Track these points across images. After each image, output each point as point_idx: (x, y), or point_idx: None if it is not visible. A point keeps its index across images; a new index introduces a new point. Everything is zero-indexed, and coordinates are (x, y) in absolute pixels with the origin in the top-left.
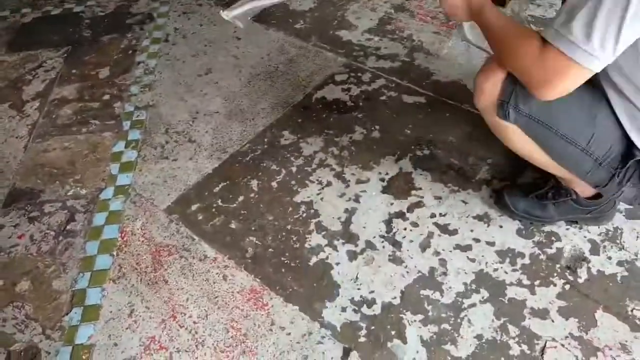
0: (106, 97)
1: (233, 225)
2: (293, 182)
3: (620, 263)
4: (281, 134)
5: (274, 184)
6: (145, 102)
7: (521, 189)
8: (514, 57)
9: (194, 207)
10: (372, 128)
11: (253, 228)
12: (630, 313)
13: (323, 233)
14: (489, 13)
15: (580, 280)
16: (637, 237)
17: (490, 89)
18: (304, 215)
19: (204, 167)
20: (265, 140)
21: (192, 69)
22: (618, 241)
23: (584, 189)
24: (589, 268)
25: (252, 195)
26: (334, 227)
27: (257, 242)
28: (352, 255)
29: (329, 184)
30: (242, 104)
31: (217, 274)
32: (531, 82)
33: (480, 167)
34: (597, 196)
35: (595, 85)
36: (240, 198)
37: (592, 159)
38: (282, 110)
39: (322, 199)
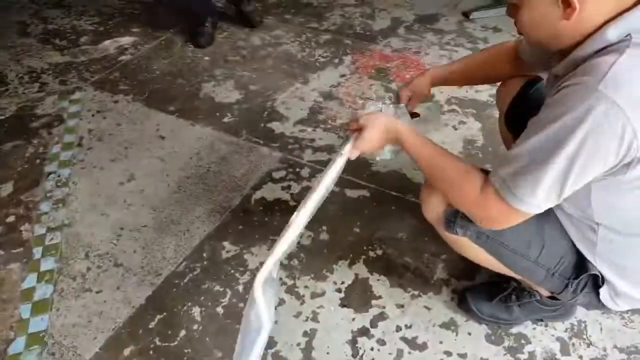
0: (10, 219)
1: None
2: (242, 305)
3: None
4: (221, 245)
5: (220, 309)
6: (60, 222)
7: (483, 290)
8: (452, 194)
9: (127, 352)
10: (320, 229)
11: None
12: None
13: None
14: (412, 142)
15: None
16: (601, 329)
17: (435, 206)
18: None
19: (135, 297)
20: (204, 255)
21: (112, 176)
22: (584, 336)
23: (543, 290)
24: None
25: (195, 327)
26: (294, 357)
27: None
28: None
29: (281, 302)
30: (174, 214)
31: None
32: (473, 217)
33: (436, 264)
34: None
35: None
36: (182, 333)
37: (544, 270)
38: (220, 217)
39: (276, 322)
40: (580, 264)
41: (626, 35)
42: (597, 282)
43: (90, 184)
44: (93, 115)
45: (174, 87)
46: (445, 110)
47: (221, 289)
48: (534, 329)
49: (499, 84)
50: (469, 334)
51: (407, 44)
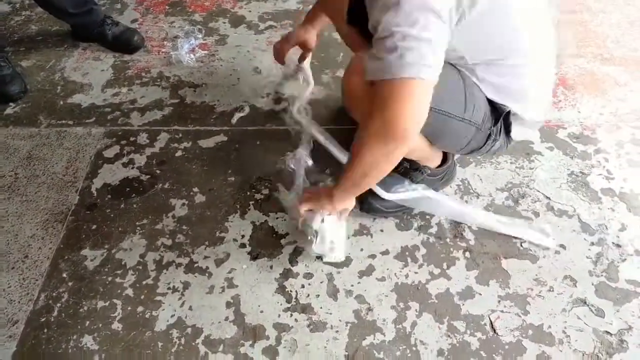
0: None
1: None
2: (140, 310)
3: (486, 209)
4: (81, 256)
5: (117, 324)
6: None
7: (379, 187)
8: (376, 153)
9: None
10: (191, 193)
11: None
12: (521, 247)
13: (221, 348)
14: (349, 194)
15: (472, 243)
16: (481, 179)
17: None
18: (182, 340)
19: (2, 354)
20: (64, 275)
21: None
22: (472, 191)
23: (434, 161)
24: (469, 228)
25: (96, 358)
26: (228, 333)
27: None
28: (271, 352)
29: (186, 285)
30: None
31: None
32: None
33: (325, 180)
34: (443, 163)
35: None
36: None
37: (474, 127)
38: (62, 225)
39: (190, 308)
40: (492, 110)
41: None
42: (507, 122)
43: None
44: None
45: None
46: (262, 29)
47: (106, 304)
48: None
49: None
50: (382, 231)
51: None
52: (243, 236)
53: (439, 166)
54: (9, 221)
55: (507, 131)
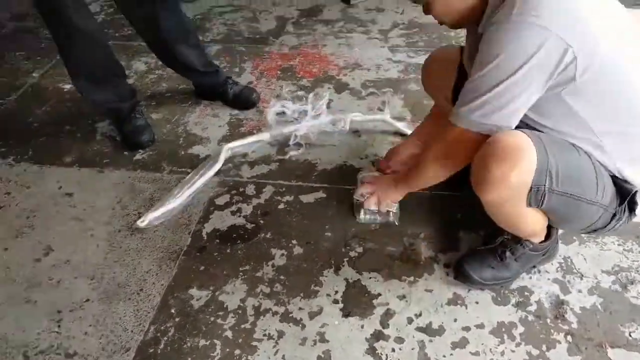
0: None
1: None
2: (237, 352)
3: (590, 292)
4: (188, 294)
5: None
6: None
7: (476, 257)
8: (442, 168)
9: None
10: (290, 244)
11: None
12: (630, 337)
13: None
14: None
15: (575, 326)
16: (585, 259)
17: (499, 182)
18: None
19: None
20: (173, 311)
21: (24, 254)
22: (575, 270)
23: (539, 236)
24: (571, 309)
25: None
26: None
27: None
28: None
29: (281, 334)
30: (117, 276)
31: None
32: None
33: (419, 245)
34: (547, 238)
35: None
36: None
37: (602, 209)
38: (174, 264)
39: (283, 357)
40: (621, 191)
41: None
42: (633, 200)
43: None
44: None
45: (63, 136)
46: (364, 95)
47: (207, 343)
48: (530, 278)
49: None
50: (477, 303)
51: (300, 39)
52: (336, 292)
53: (542, 241)
54: (129, 255)
55: (631, 209)
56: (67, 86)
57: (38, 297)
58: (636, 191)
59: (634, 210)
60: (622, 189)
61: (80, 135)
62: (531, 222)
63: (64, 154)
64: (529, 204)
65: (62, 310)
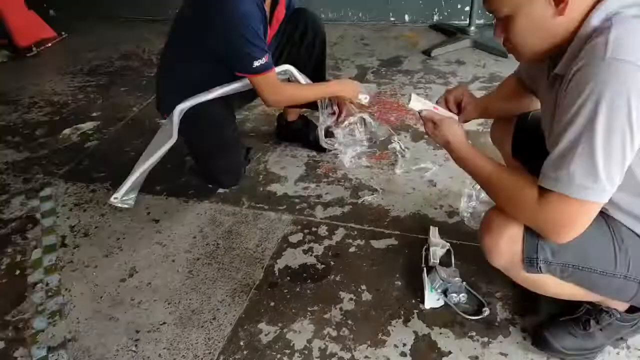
0: None
1: None
2: None
3: None
4: (257, 328)
5: None
6: (61, 338)
7: (559, 325)
8: (510, 209)
9: None
10: (359, 289)
11: None
12: None
13: None
14: (464, 157)
15: None
16: None
17: (508, 248)
18: None
19: None
20: (242, 343)
21: (111, 273)
22: None
23: (619, 305)
24: None
25: None
26: None
27: None
28: None
29: None
30: (193, 303)
31: None
32: (543, 231)
33: (495, 304)
34: (636, 309)
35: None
36: None
37: (636, 283)
38: (246, 297)
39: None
40: None
41: (605, 20)
42: None
43: (87, 287)
44: (71, 210)
45: (155, 166)
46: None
47: None
48: (618, 353)
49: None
50: None
51: (380, 87)
52: (404, 344)
53: (632, 312)
54: (205, 284)
55: None
56: (163, 120)
57: (120, 315)
58: None
59: None
60: None
61: (171, 166)
62: (552, 286)
63: (155, 183)
64: (528, 271)
65: (140, 330)
